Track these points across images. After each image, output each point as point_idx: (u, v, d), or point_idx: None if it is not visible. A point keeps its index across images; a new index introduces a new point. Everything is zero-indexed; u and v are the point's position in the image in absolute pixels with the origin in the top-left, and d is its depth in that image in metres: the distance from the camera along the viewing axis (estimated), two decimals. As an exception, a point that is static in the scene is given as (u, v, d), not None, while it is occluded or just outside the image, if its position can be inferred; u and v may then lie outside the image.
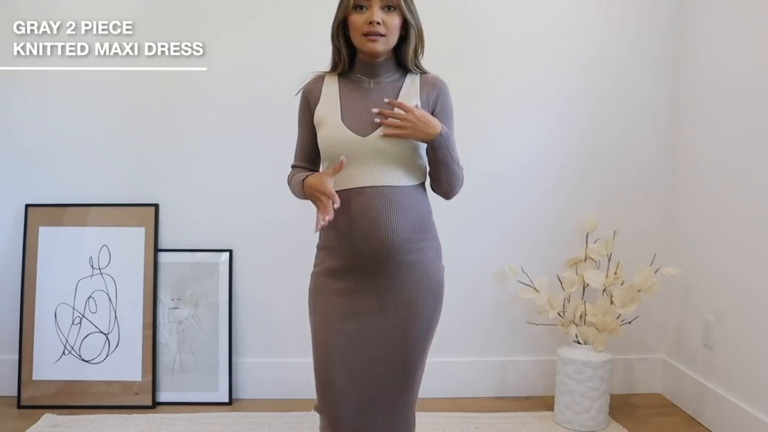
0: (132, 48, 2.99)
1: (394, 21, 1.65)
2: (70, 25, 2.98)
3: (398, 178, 1.67)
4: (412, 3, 1.70)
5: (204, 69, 3.00)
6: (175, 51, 2.99)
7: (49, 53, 2.98)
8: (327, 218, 1.55)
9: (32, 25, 2.97)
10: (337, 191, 1.63)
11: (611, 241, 2.92)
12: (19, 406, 2.94)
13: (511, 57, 3.06)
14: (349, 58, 1.74)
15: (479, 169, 3.08)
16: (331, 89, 1.73)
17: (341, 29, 1.73)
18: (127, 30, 2.99)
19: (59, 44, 2.98)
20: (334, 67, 1.77)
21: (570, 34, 3.07)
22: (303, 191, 1.69)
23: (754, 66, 2.59)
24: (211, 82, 3.01)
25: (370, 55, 1.69)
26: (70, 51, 2.99)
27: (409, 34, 1.70)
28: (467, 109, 3.06)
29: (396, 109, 1.62)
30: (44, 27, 2.97)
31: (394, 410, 1.68)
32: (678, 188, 3.11)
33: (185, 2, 3.00)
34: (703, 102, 2.92)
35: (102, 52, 2.99)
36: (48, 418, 2.82)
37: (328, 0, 3.05)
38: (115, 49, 2.99)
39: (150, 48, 2.99)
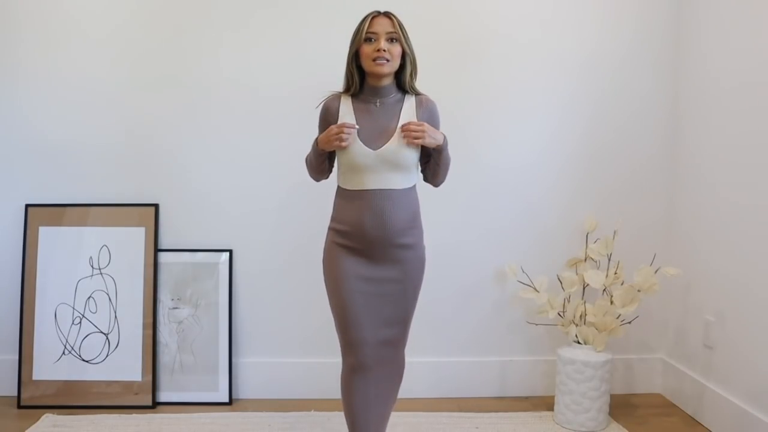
0: (132, 48, 2.99)
1: (396, 49, 2.10)
2: (71, 24, 2.98)
3: (399, 183, 2.12)
4: (408, 37, 2.14)
5: (205, 70, 3.00)
6: (175, 51, 3.00)
7: (49, 53, 2.98)
8: (348, 129, 2.05)
9: (33, 24, 2.97)
10: (352, 191, 2.14)
11: (611, 241, 2.92)
12: (19, 406, 2.94)
13: (512, 58, 3.06)
14: (360, 82, 2.15)
15: (480, 169, 3.08)
16: (347, 107, 2.15)
17: (354, 59, 2.13)
18: (127, 30, 2.99)
19: (60, 44, 2.98)
20: (347, 89, 2.18)
21: (569, 33, 3.07)
22: (318, 149, 2.16)
23: (755, 66, 2.59)
24: (212, 83, 3.01)
25: (377, 77, 2.11)
26: (72, 50, 2.99)
27: (405, 61, 2.14)
28: (468, 110, 3.07)
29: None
30: (45, 26, 2.97)
31: (396, 348, 2.19)
32: (678, 188, 3.11)
33: (185, 3, 3.00)
34: (703, 101, 2.92)
35: (102, 52, 2.99)
36: (48, 418, 2.82)
37: (329, 3, 3.08)
38: (116, 49, 2.99)
39: (150, 48, 2.99)
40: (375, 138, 2.09)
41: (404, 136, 2.07)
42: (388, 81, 2.14)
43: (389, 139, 2.09)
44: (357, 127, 2.07)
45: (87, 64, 2.99)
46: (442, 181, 2.29)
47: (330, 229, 2.21)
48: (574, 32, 3.07)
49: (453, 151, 3.05)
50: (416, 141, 2.07)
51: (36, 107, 3.01)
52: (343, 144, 2.05)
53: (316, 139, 2.18)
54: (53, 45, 2.98)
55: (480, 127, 3.07)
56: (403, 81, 2.15)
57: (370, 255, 2.12)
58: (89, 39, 2.99)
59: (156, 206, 3.04)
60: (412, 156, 2.13)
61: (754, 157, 2.58)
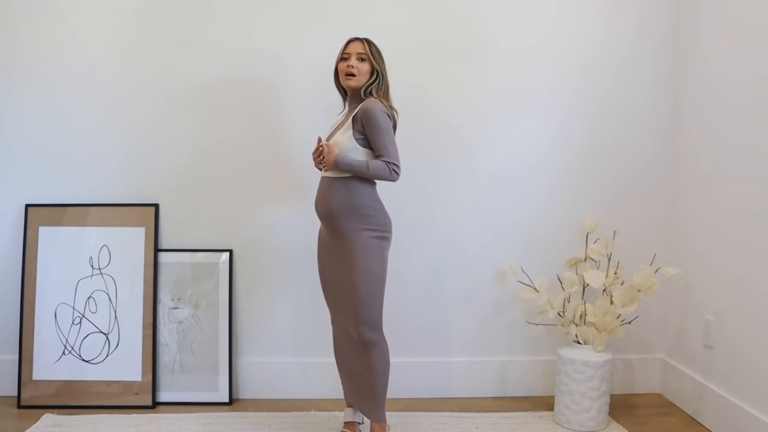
0: (133, 48, 2.99)
1: (364, 66, 2.49)
2: (71, 24, 2.98)
3: (337, 172, 2.46)
4: (380, 57, 2.52)
5: (205, 70, 3.00)
6: (176, 51, 3.00)
7: (49, 52, 2.98)
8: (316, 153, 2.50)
9: (32, 24, 2.97)
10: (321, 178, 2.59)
11: (611, 241, 2.92)
12: (19, 406, 2.94)
13: (513, 59, 3.06)
14: (344, 94, 2.60)
15: (480, 169, 3.09)
16: (338, 114, 2.65)
17: (337, 76, 2.57)
18: (127, 30, 2.99)
19: (60, 43, 2.98)
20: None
21: (570, 35, 3.07)
22: None
23: (756, 67, 2.59)
24: (213, 82, 3.01)
25: (349, 88, 2.52)
26: (71, 50, 2.99)
27: (373, 77, 2.50)
28: (469, 110, 3.07)
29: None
30: (44, 26, 2.97)
31: (354, 315, 2.46)
32: (678, 188, 3.11)
33: (186, 5, 3.00)
34: (704, 102, 2.92)
35: (102, 52, 2.99)
36: (48, 418, 2.82)
37: (330, 5, 3.08)
38: (116, 49, 2.99)
39: (150, 48, 2.99)
40: (331, 135, 2.54)
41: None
42: (356, 92, 2.52)
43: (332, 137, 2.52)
44: (323, 142, 2.48)
45: (87, 64, 2.99)
46: (383, 180, 2.47)
47: None
48: (574, 33, 3.07)
49: (453, 151, 3.07)
50: (318, 160, 2.47)
51: (36, 107, 3.01)
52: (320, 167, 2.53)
53: None
54: (53, 45, 2.98)
55: (480, 128, 3.07)
56: (365, 91, 2.50)
57: (327, 231, 2.54)
58: (89, 39, 2.99)
59: (156, 206, 3.04)
60: (343, 146, 2.43)
61: (755, 158, 2.58)
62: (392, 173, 2.44)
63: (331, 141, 2.48)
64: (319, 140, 2.47)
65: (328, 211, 2.46)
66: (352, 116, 2.46)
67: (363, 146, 2.45)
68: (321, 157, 2.45)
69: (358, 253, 2.43)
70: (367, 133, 2.43)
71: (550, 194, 3.12)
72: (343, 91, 2.59)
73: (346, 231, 2.44)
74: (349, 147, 2.43)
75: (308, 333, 3.08)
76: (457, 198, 3.09)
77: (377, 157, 2.44)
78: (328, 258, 2.55)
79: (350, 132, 2.44)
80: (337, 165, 2.42)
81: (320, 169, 2.53)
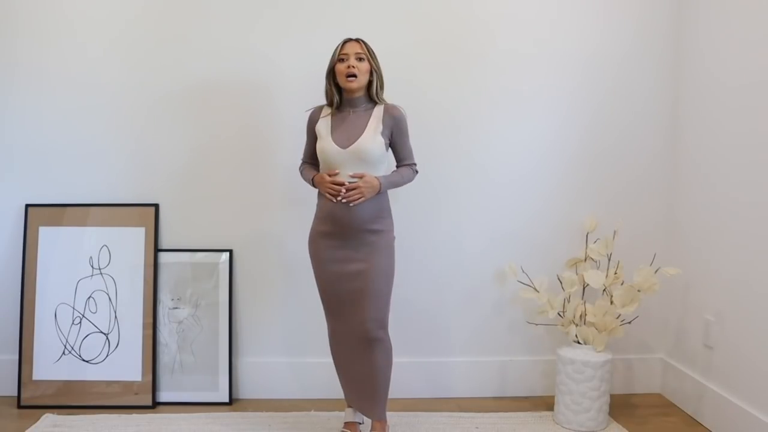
0: (133, 49, 2.99)
1: (364, 66, 2.50)
2: (72, 25, 2.98)
3: None
4: (375, 56, 2.53)
5: (205, 70, 3.00)
6: (176, 52, 3.00)
7: (50, 53, 2.98)
8: (340, 191, 2.43)
9: (32, 24, 2.97)
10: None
11: (611, 241, 2.92)
12: (19, 406, 2.94)
13: (513, 59, 3.05)
14: (339, 95, 2.55)
15: (480, 169, 3.09)
16: (326, 115, 2.58)
17: (331, 75, 2.54)
18: (127, 30, 2.99)
19: (60, 44, 2.98)
20: (329, 102, 2.58)
21: (570, 35, 3.06)
22: (311, 183, 2.59)
23: (755, 66, 2.59)
24: (212, 82, 3.01)
25: (349, 90, 2.51)
26: (72, 51, 2.99)
27: (373, 76, 2.52)
28: (469, 110, 3.07)
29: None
30: (45, 26, 2.97)
31: (368, 323, 2.47)
32: (678, 188, 3.11)
33: (187, 6, 3.00)
34: (704, 102, 2.93)
35: (103, 53, 2.99)
36: (48, 418, 2.82)
37: (330, 4, 3.08)
38: (116, 49, 2.99)
39: (151, 48, 2.99)
40: (346, 139, 2.48)
41: (347, 201, 2.44)
42: (359, 94, 2.53)
43: (357, 139, 2.46)
44: (346, 183, 2.44)
45: (87, 64, 2.99)
46: (410, 182, 2.63)
47: (315, 217, 2.60)
48: (574, 34, 3.07)
49: (454, 151, 3.06)
50: (358, 202, 2.43)
51: (36, 107, 3.01)
52: (334, 201, 2.45)
53: (305, 168, 2.65)
54: (53, 45, 2.98)
55: (481, 128, 3.07)
56: (371, 93, 2.54)
57: (342, 237, 2.49)
58: (90, 40, 2.99)
59: (156, 206, 3.04)
60: (376, 153, 2.47)
61: (754, 158, 2.58)
62: (415, 173, 2.63)
63: (360, 148, 2.44)
64: (343, 184, 2.43)
65: (358, 216, 2.45)
66: (382, 122, 2.49)
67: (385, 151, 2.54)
68: (349, 192, 2.42)
69: (380, 254, 2.48)
70: (397, 139, 2.54)
71: (550, 194, 3.12)
72: (338, 93, 2.55)
73: (370, 234, 2.48)
74: (379, 155, 2.48)
75: (308, 333, 3.08)
76: (457, 197, 3.09)
77: (401, 160, 2.59)
78: (336, 262, 2.51)
79: (380, 138, 2.48)
80: (384, 189, 2.49)
81: (338, 201, 2.45)
